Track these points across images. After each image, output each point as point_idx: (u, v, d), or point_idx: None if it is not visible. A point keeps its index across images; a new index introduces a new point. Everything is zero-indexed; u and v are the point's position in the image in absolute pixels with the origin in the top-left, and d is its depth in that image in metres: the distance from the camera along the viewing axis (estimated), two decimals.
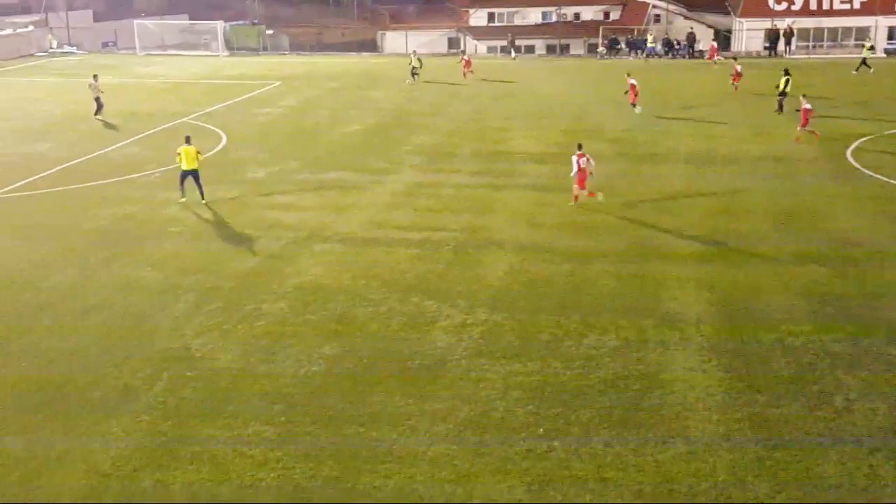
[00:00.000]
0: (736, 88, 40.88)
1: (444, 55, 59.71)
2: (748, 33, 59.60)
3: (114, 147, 30.88)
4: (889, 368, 14.18)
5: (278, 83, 46.60)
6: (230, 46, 62.52)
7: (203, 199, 23.68)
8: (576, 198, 23.26)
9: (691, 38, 58.69)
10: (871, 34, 57.62)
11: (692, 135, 32.50)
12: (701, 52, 58.61)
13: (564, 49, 66.02)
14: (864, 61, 46.93)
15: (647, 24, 67.17)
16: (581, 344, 15.17)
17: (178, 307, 16.97)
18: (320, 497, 11.16)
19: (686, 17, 68.59)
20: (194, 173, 23.51)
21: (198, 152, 23.57)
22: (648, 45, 56.37)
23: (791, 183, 25.56)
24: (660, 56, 56.32)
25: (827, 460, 11.69)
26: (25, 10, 68.28)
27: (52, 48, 62.01)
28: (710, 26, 66.85)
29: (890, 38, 58.51)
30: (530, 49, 67.81)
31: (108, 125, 35.00)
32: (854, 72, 46.42)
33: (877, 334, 15.38)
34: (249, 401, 13.38)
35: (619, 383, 13.80)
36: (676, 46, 58.60)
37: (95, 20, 69.13)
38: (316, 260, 19.55)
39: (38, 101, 41.30)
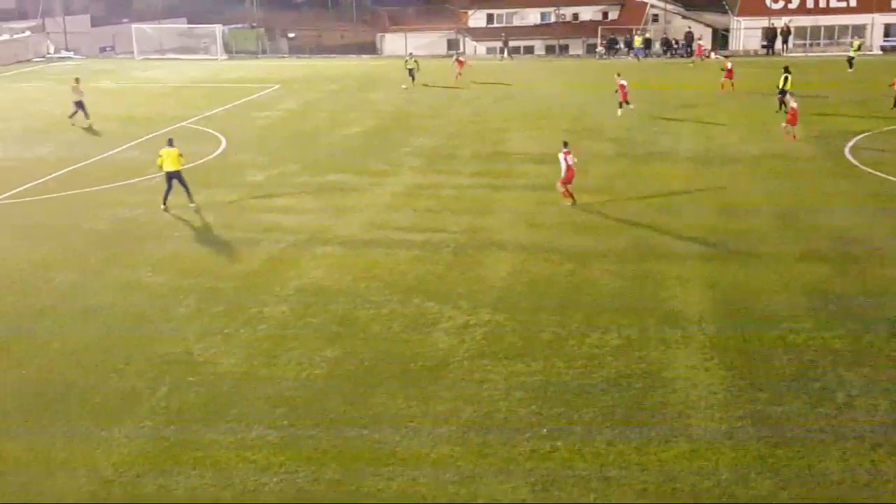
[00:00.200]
0: (731, 86, 40.51)
1: (444, 57, 59.69)
2: (746, 32, 59.70)
3: (113, 151, 30.89)
4: (890, 364, 14.19)
5: (277, 86, 46.64)
6: (229, 50, 62.57)
7: (192, 201, 23.59)
8: (568, 195, 23.17)
9: (689, 38, 58.72)
10: (868, 31, 57.75)
11: (691, 134, 32.53)
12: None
13: (563, 49, 66.09)
14: (850, 61, 47.06)
15: (646, 23, 67.22)
16: (583, 343, 15.18)
17: (179, 310, 16.98)
18: (323, 500, 11.16)
19: (684, 17, 68.66)
20: (178, 175, 23.39)
21: (179, 154, 23.38)
22: (636, 46, 56.26)
23: (790, 181, 25.57)
24: (646, 57, 56.05)
25: (829, 457, 11.69)
26: (22, 16, 68.27)
27: (49, 53, 62.04)
28: (708, 25, 66.95)
29: (886, 35, 58.59)
30: (529, 49, 67.88)
31: (89, 130, 34.89)
32: (850, 70, 46.59)
33: (878, 331, 15.39)
34: (252, 405, 13.39)
35: (622, 382, 13.81)
36: (675, 46, 58.67)
37: (93, 25, 69.11)
38: (317, 262, 19.56)
39: (35, 105, 41.28)
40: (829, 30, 58.68)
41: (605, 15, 72.65)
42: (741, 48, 59.43)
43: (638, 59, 55.26)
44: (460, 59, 48.35)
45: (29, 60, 59.86)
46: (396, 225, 22.21)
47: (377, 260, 19.58)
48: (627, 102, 35.77)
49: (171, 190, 23.43)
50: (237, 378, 14.26)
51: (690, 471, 11.48)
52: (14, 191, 26.02)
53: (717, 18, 66.62)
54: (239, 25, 68.79)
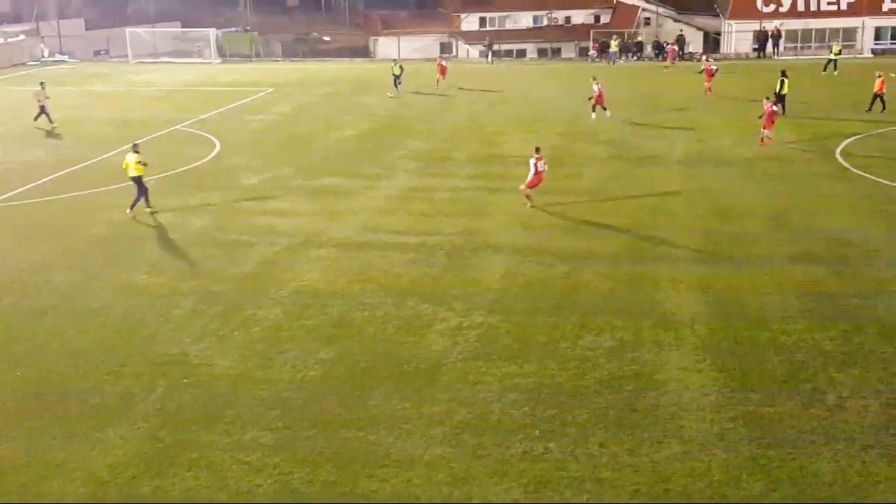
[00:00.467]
0: (709, 90, 40.23)
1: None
2: (737, 35, 59.93)
3: (109, 154, 30.87)
4: (881, 366, 14.30)
5: (271, 90, 46.67)
6: (223, 53, 62.57)
7: (147, 207, 23.46)
8: (529, 198, 23.35)
9: (681, 41, 58.91)
10: (858, 35, 58.07)
11: (685, 137, 32.67)
12: (691, 54, 58.93)
13: (556, 53, 66.22)
14: (834, 64, 47.47)
15: (638, 27, 67.41)
16: (577, 345, 15.27)
17: (175, 313, 17.02)
18: (318, 502, 11.21)
19: (675, 20, 68.89)
20: (137, 180, 23.24)
21: (137, 162, 23.13)
22: (611, 50, 56.39)
23: (783, 183, 25.72)
24: (619, 60, 56.05)
25: (820, 458, 11.79)
26: (17, 19, 68.22)
27: (43, 57, 61.95)
28: (699, 28, 67.19)
29: (877, 38, 58.92)
30: (521, 53, 68.02)
31: (50, 133, 35.05)
32: (834, 73, 46.91)
33: (869, 332, 15.51)
34: (247, 406, 13.43)
35: (615, 384, 13.89)
36: (676, 48, 58.85)
37: (87, 28, 69.08)
38: (311, 265, 19.61)
39: (31, 108, 41.14)
40: (820, 33, 58.95)
41: (598, 18, 72.80)
42: (732, 51, 59.67)
43: (612, 62, 55.30)
44: (442, 63, 46.78)
45: (23, 64, 59.78)
46: (391, 228, 22.28)
47: (372, 262, 19.64)
48: (604, 108, 35.54)
49: (143, 192, 23.36)
50: (232, 380, 14.31)
51: (683, 472, 11.57)
52: (12, 192, 26.07)
53: (708, 22, 66.86)
54: (232, 29, 68.80)
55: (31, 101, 36.40)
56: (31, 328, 16.51)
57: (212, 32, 62.08)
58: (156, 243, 21.39)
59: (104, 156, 30.74)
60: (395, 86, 43.34)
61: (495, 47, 61.14)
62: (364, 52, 70.95)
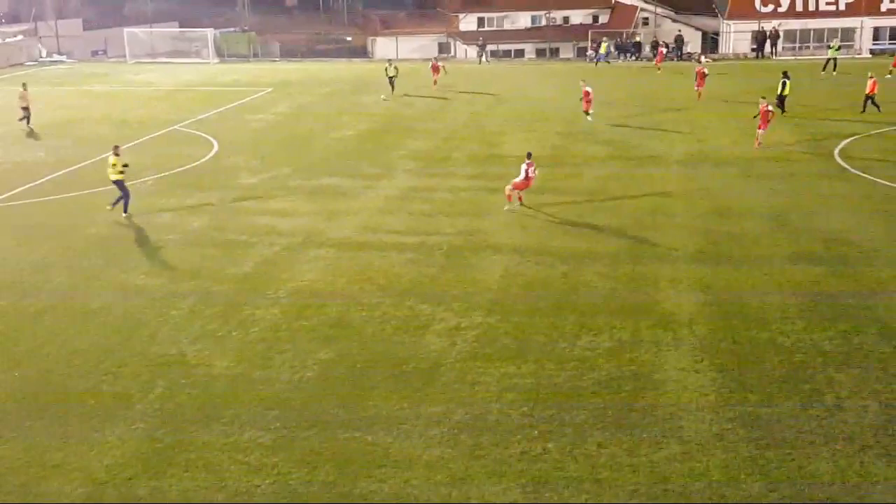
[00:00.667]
0: (700, 95, 39.74)
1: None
2: (735, 35, 59.94)
3: (107, 154, 30.76)
4: (880, 366, 14.30)
5: (270, 90, 46.65)
6: (221, 53, 62.55)
7: (110, 206, 23.22)
8: (510, 198, 23.18)
9: (679, 41, 58.86)
10: (857, 35, 58.08)
11: (684, 137, 32.68)
12: (689, 54, 58.95)
13: (554, 53, 66.24)
14: (833, 63, 47.52)
15: (636, 27, 67.42)
16: (575, 345, 15.26)
17: (173, 313, 17.00)
18: (317, 502, 11.20)
19: (674, 20, 68.91)
20: (117, 183, 23.12)
21: (113, 164, 23.03)
22: (600, 52, 56.36)
23: (782, 183, 25.73)
24: (608, 62, 56.00)
25: (819, 458, 11.78)
26: (15, 19, 68.22)
27: (41, 57, 61.96)
28: (698, 28, 67.20)
29: (875, 38, 58.94)
30: (520, 53, 68.01)
31: (30, 133, 35.08)
32: (833, 73, 46.95)
33: (868, 332, 15.51)
34: (245, 407, 13.41)
35: (613, 384, 13.88)
36: (664, 49, 58.81)
37: (85, 28, 69.10)
38: (310, 265, 19.60)
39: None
40: (819, 33, 58.95)
41: (596, 18, 72.81)
42: (731, 52, 59.69)
43: (597, 63, 55.22)
44: (436, 63, 46.26)
45: (21, 64, 59.76)
46: (390, 228, 22.26)
47: (371, 262, 19.63)
48: (587, 112, 35.01)
49: (125, 196, 23.18)
50: (231, 380, 14.29)
51: (681, 472, 11.56)
52: (11, 192, 26.06)
53: (706, 22, 66.85)
54: (231, 29, 68.80)
55: (15, 102, 36.30)
56: (29, 328, 16.49)
57: (210, 32, 62.09)
58: (154, 244, 21.36)
59: (103, 156, 30.60)
60: (391, 88, 42.79)
61: (493, 47, 61.10)
62: (362, 53, 70.95)
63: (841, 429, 12.47)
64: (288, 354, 15.14)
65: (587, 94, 35.21)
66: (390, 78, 42.84)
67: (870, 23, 58.66)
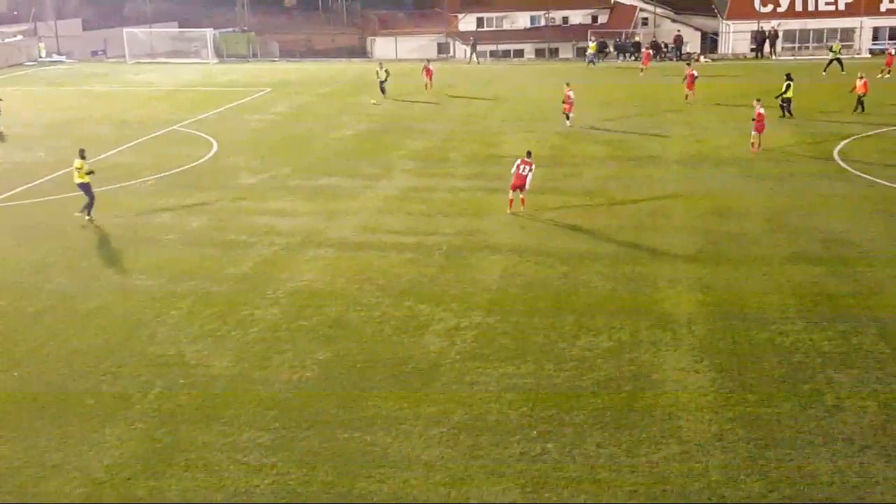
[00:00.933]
0: (687, 98, 39.34)
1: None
2: (735, 35, 59.94)
3: (106, 155, 30.85)
4: (879, 366, 14.30)
5: (269, 90, 46.65)
6: (220, 54, 62.54)
7: (80, 212, 22.93)
8: (511, 203, 22.97)
9: (679, 41, 58.82)
10: (856, 35, 58.08)
11: (683, 137, 32.69)
12: (688, 54, 58.93)
13: (553, 53, 66.24)
14: (839, 63, 47.50)
15: (635, 27, 67.42)
16: (574, 346, 15.25)
17: (172, 313, 16.99)
18: (315, 502, 11.19)
19: (673, 21, 68.92)
20: (82, 187, 22.88)
21: (78, 168, 22.80)
22: (588, 52, 56.21)
23: (781, 184, 25.74)
24: (596, 63, 55.88)
25: (818, 459, 11.78)
26: (14, 20, 68.21)
27: (41, 57, 61.93)
28: (697, 29, 67.22)
29: (875, 38, 58.95)
30: (519, 53, 68.01)
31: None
32: (842, 72, 46.86)
33: (867, 332, 15.51)
34: (244, 407, 13.41)
35: (612, 384, 13.88)
36: (664, 50, 58.85)
37: (84, 29, 69.08)
38: (309, 265, 19.59)
39: (27, 108, 41.18)
40: (818, 33, 58.97)
41: (595, 19, 72.80)
42: (730, 52, 59.69)
43: (593, 63, 55.08)
44: (429, 67, 45.61)
45: (21, 64, 59.74)
46: (389, 228, 22.26)
47: (370, 263, 19.62)
48: (567, 116, 34.58)
49: (90, 200, 22.86)
50: (230, 380, 14.29)
51: (680, 472, 11.56)
52: (10, 192, 26.06)
53: (706, 22, 66.87)
54: (230, 29, 68.78)
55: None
56: (29, 329, 16.49)
57: (209, 33, 62.06)
58: (153, 244, 21.34)
59: (102, 156, 30.67)
60: (382, 93, 42.12)
61: (492, 47, 61.06)
62: (361, 53, 70.94)
63: (840, 429, 12.47)
64: (287, 354, 15.13)
65: (568, 97, 34.68)
66: (381, 82, 42.25)
67: (869, 23, 58.66)
